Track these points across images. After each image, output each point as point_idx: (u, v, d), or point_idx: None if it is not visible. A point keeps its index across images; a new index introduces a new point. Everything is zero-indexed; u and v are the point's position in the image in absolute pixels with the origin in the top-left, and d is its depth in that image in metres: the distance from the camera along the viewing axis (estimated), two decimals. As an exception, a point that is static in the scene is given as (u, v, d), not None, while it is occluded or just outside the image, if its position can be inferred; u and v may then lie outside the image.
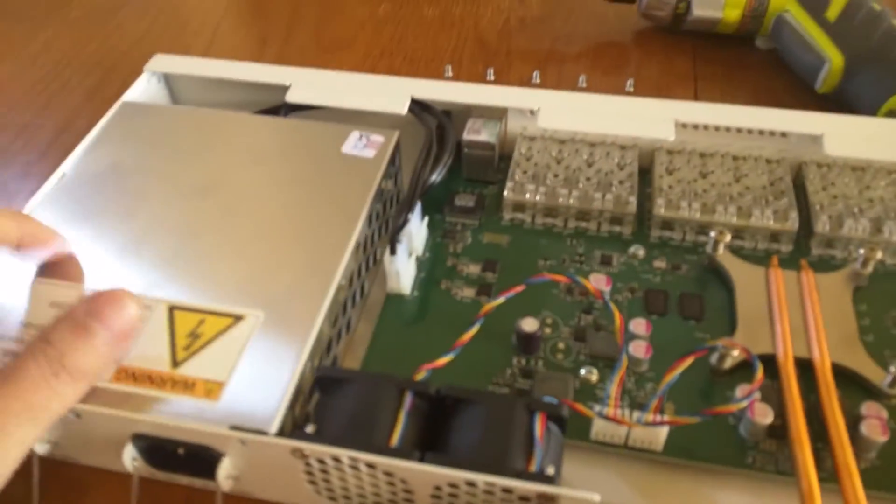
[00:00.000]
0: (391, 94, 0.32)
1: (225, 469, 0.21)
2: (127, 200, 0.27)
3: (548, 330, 0.27)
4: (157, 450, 0.21)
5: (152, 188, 0.28)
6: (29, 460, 0.23)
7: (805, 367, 0.25)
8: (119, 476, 0.24)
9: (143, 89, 0.35)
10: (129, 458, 0.21)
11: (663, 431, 0.22)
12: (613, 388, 0.23)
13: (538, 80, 0.43)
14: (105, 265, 0.25)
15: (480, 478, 0.19)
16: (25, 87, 0.44)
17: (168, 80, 0.36)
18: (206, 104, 0.35)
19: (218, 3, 0.52)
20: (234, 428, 0.20)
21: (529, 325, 0.25)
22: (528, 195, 0.31)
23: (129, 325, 0.20)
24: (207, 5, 0.52)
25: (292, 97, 0.33)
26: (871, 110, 0.36)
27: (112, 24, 0.50)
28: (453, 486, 0.19)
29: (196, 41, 0.48)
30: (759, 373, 0.22)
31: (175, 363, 0.22)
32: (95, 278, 0.24)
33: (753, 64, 0.43)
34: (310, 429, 0.20)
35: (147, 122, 0.31)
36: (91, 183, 0.28)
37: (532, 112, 0.32)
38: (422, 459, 0.19)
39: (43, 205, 0.27)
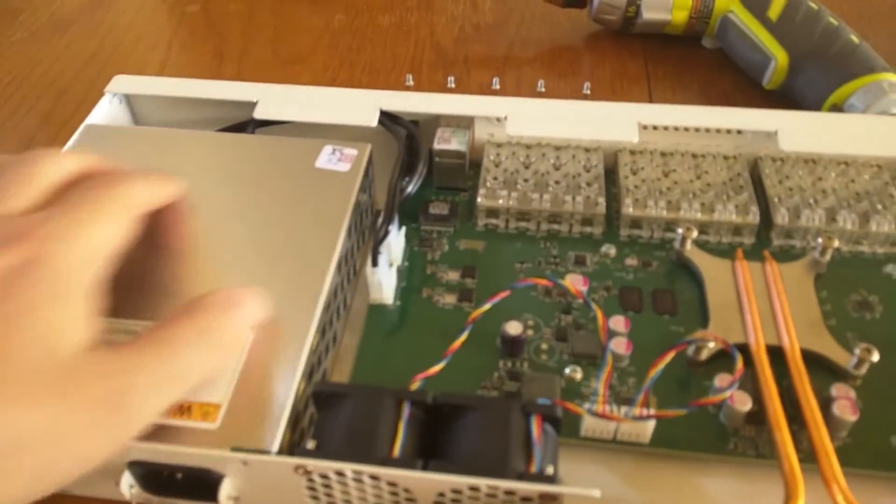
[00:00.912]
0: (360, 106, 0.33)
1: (226, 491, 0.21)
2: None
3: (530, 332, 0.27)
4: (155, 476, 0.21)
5: (123, 212, 0.27)
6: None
7: (776, 354, 0.26)
8: (111, 505, 0.24)
9: (106, 111, 0.34)
10: (127, 485, 0.21)
11: (650, 425, 0.23)
12: (601, 386, 0.24)
13: (498, 87, 0.43)
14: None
15: (483, 482, 0.19)
16: (-27, 111, 0.43)
17: (129, 100, 0.35)
18: (169, 124, 0.35)
19: (169, 21, 0.51)
20: (235, 449, 0.20)
21: (514, 328, 0.26)
22: (500, 201, 0.31)
23: (261, 314, 0.21)
24: (158, 23, 0.51)
25: (260, 113, 0.32)
26: (816, 105, 0.38)
27: (60, 44, 0.49)
28: (457, 491, 0.20)
29: (150, 59, 0.47)
30: (740, 362, 0.23)
31: (166, 389, 0.21)
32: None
33: (702, 63, 0.45)
34: (311, 445, 0.20)
35: (113, 145, 0.30)
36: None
37: (499, 119, 0.33)
38: (425, 468, 0.20)
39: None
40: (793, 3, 0.40)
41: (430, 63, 0.46)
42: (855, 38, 0.38)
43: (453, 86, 0.44)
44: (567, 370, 0.26)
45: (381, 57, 0.47)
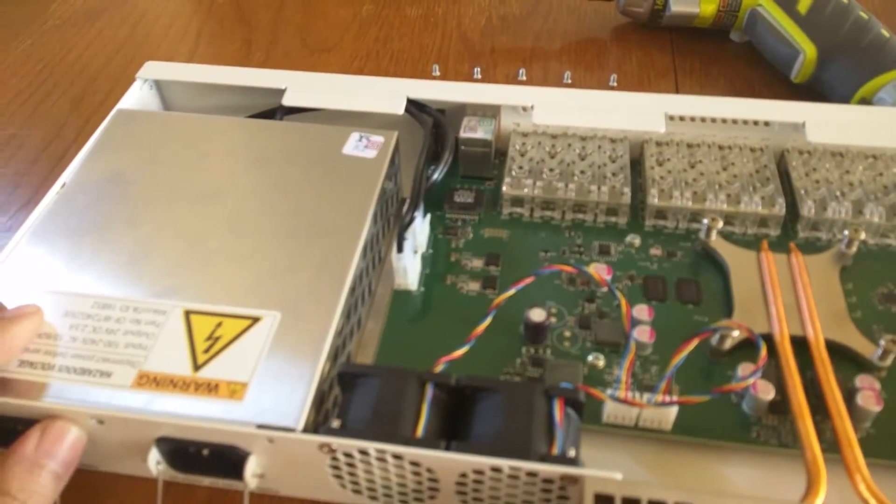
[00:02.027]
0: (387, 94, 0.33)
1: (251, 468, 0.21)
2: (131, 208, 0.27)
3: (553, 319, 0.28)
4: (182, 452, 0.21)
5: (155, 195, 0.28)
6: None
7: (800, 345, 0.26)
8: (138, 480, 0.24)
9: (136, 97, 0.35)
10: (154, 461, 0.22)
11: (672, 411, 0.23)
12: (624, 372, 0.24)
13: (524, 78, 0.43)
14: (115, 274, 0.25)
15: (506, 463, 0.20)
16: (8, 97, 0.44)
17: (160, 86, 0.36)
18: (198, 110, 0.36)
19: (199, 9, 0.52)
20: (262, 426, 0.21)
21: (538, 315, 0.26)
22: (525, 189, 0.31)
23: (75, 452, 0.21)
24: (188, 11, 0.52)
25: (289, 100, 0.33)
26: (844, 98, 0.37)
27: (92, 31, 0.49)
28: (479, 472, 0.20)
29: (179, 47, 0.48)
30: (763, 351, 0.23)
31: (196, 366, 0.22)
32: (108, 286, 0.25)
33: (730, 56, 0.44)
34: (335, 424, 0.21)
35: (144, 129, 0.31)
36: (92, 192, 0.28)
37: (525, 109, 0.33)
38: (448, 448, 0.20)
39: (45, 217, 0.27)
40: (823, -5, 0.40)
41: (456, 54, 0.46)
42: (885, 32, 0.38)
43: (479, 77, 0.44)
44: (590, 357, 0.26)
45: (409, 47, 0.47)
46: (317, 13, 0.51)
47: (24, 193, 0.37)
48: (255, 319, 0.23)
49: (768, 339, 0.26)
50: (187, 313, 0.23)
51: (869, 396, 0.24)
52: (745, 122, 0.32)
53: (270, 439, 0.20)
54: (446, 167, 0.31)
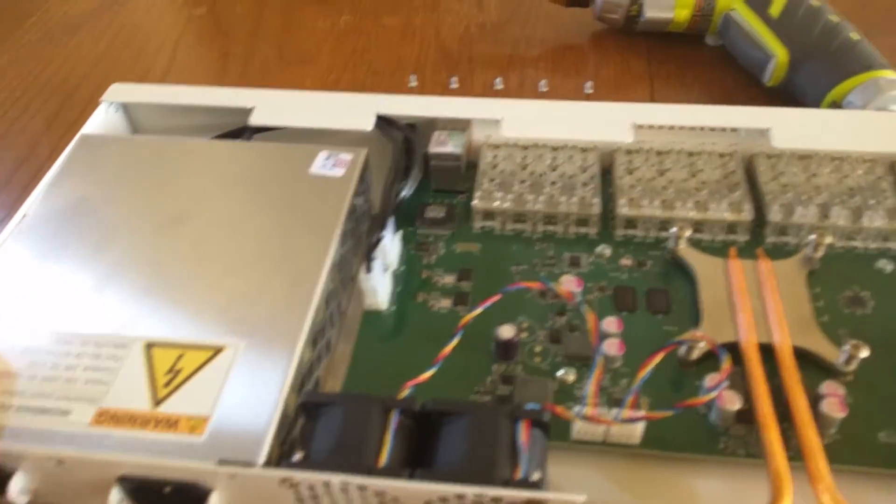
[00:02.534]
0: (356, 111, 0.33)
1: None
2: (95, 236, 0.27)
3: (524, 335, 0.28)
4: (144, 490, 0.21)
5: (120, 221, 0.28)
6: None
7: (767, 352, 0.26)
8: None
9: (102, 119, 0.34)
10: (116, 501, 0.21)
11: (640, 426, 0.24)
12: (591, 388, 0.24)
13: (501, 86, 0.44)
14: (76, 307, 0.25)
15: (469, 490, 0.20)
16: (-17, 116, 0.44)
17: (127, 108, 0.36)
18: (167, 130, 0.36)
19: (177, 22, 0.52)
20: (222, 462, 0.20)
21: (507, 332, 0.26)
22: (496, 203, 0.32)
23: None
24: (166, 24, 0.51)
25: (256, 120, 0.33)
26: (816, 102, 0.38)
27: (69, 46, 0.49)
28: (443, 500, 0.20)
29: (156, 60, 0.48)
30: (726, 363, 0.23)
31: (156, 401, 0.22)
32: (70, 320, 0.25)
33: (705, 61, 0.44)
34: (298, 456, 0.21)
35: (109, 154, 0.31)
36: (56, 220, 0.28)
37: (496, 122, 0.33)
38: (411, 477, 0.20)
39: (5, 249, 0.27)
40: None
41: (434, 63, 0.46)
42: (854, 36, 0.38)
43: (457, 86, 0.44)
44: (560, 372, 0.26)
45: (386, 58, 0.47)
46: (295, 25, 0.51)
47: (-1, 214, 0.37)
48: (218, 350, 0.23)
49: (735, 346, 0.26)
50: (148, 346, 0.23)
51: (833, 403, 0.24)
52: (713, 128, 0.33)
53: (232, 475, 0.20)
54: (415, 184, 0.31)
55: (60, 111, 0.44)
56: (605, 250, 0.31)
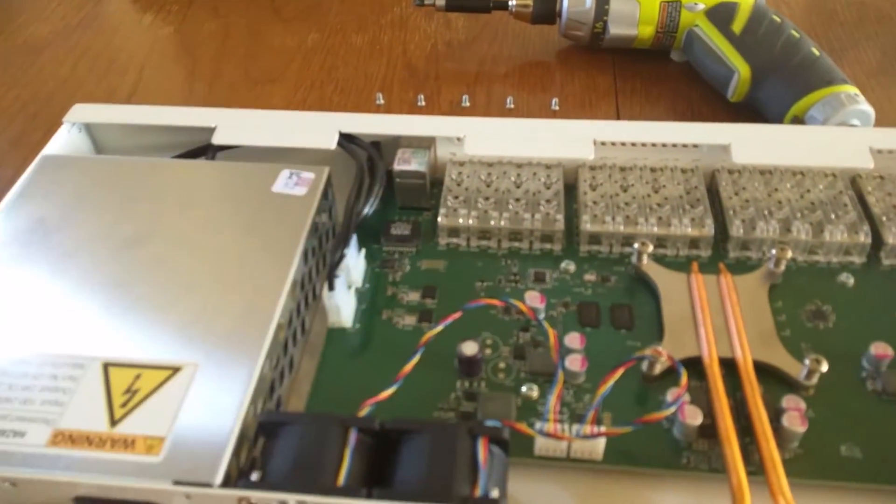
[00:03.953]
0: (319, 129, 0.33)
1: (172, 523, 0.21)
2: (54, 257, 0.27)
3: (488, 351, 0.28)
4: (101, 510, 0.21)
5: (80, 243, 0.27)
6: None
7: (729, 367, 0.26)
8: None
9: (65, 140, 0.34)
10: (73, 521, 0.21)
11: (601, 442, 0.23)
12: (552, 404, 0.24)
13: (468, 104, 0.44)
14: (36, 324, 0.25)
15: (427, 507, 0.19)
16: (-56, 139, 0.43)
17: (90, 129, 0.35)
18: (131, 150, 0.35)
19: (143, 43, 0.51)
20: (178, 483, 0.20)
21: (470, 348, 0.26)
22: (461, 220, 0.32)
23: None
24: (132, 45, 0.51)
25: (219, 139, 0.33)
26: (778, 117, 0.38)
27: (34, 68, 0.49)
28: (402, 517, 0.20)
29: (122, 81, 0.47)
30: (684, 379, 0.23)
31: (113, 422, 0.22)
32: (27, 341, 0.24)
33: (670, 76, 0.45)
34: (255, 476, 0.20)
35: (70, 175, 0.31)
36: (15, 242, 0.28)
37: (459, 139, 0.33)
38: (369, 496, 0.20)
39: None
40: (756, 15, 0.41)
41: (401, 81, 0.47)
42: (815, 51, 0.39)
43: (423, 104, 0.44)
44: (524, 388, 0.26)
45: (353, 76, 0.47)
46: (261, 44, 0.51)
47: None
48: (175, 370, 0.23)
49: (697, 362, 0.26)
50: (105, 366, 0.23)
51: (794, 417, 0.24)
52: (675, 144, 0.33)
53: (188, 495, 0.20)
54: (376, 200, 0.31)
55: (24, 133, 0.43)
56: (569, 266, 0.31)
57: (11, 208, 0.29)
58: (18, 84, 0.48)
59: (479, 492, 0.20)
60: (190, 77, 0.48)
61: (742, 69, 0.40)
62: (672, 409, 0.23)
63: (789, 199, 0.31)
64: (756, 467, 0.23)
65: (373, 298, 0.30)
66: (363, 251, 0.31)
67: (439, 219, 0.32)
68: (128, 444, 0.21)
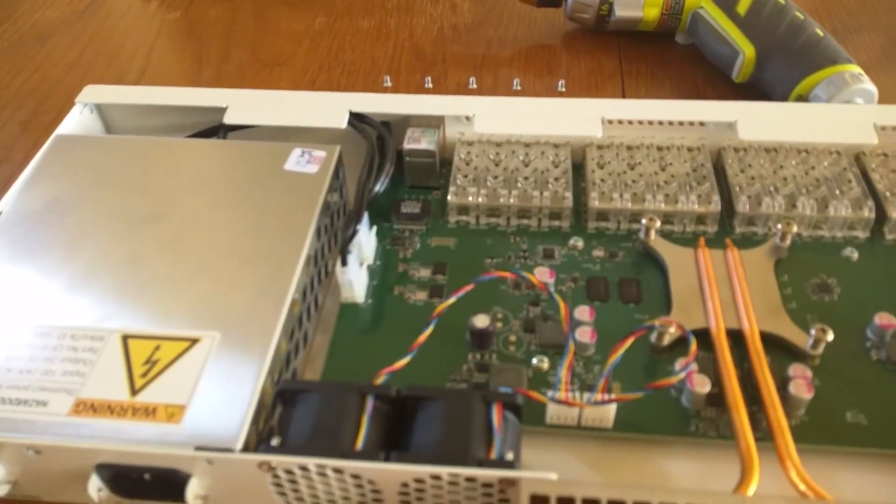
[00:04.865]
0: (330, 109, 0.33)
1: (193, 490, 0.21)
2: (70, 235, 0.27)
3: (499, 324, 0.28)
4: (123, 477, 0.21)
5: (95, 220, 0.28)
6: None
7: (736, 338, 0.27)
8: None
9: (77, 121, 0.34)
10: (95, 488, 0.21)
11: (612, 409, 0.24)
12: (563, 373, 0.24)
13: (475, 86, 0.44)
14: (53, 303, 0.25)
15: (444, 470, 0.20)
16: (-45, 123, 0.43)
17: (101, 110, 0.36)
18: (141, 131, 0.36)
19: (150, 27, 0.52)
20: (200, 448, 0.21)
21: (481, 321, 0.27)
22: (470, 198, 0.32)
23: None
24: (139, 30, 0.51)
25: (230, 118, 0.33)
26: (783, 97, 0.39)
27: (42, 53, 0.49)
28: (419, 481, 0.20)
29: (130, 66, 0.48)
30: (693, 346, 0.24)
31: (134, 391, 0.22)
32: (46, 315, 0.25)
33: (675, 59, 0.45)
34: (275, 441, 0.21)
35: (83, 154, 0.31)
36: (31, 220, 0.28)
37: (468, 118, 0.33)
38: (387, 459, 0.20)
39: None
40: (761, -4, 0.41)
41: (408, 64, 0.47)
42: (819, 32, 0.39)
43: (430, 86, 0.44)
44: (534, 360, 0.27)
45: (361, 59, 0.47)
46: (269, 27, 0.51)
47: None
48: (194, 341, 0.23)
49: (705, 333, 0.27)
50: (125, 338, 0.23)
51: (801, 385, 0.24)
52: (682, 122, 0.33)
53: (209, 460, 0.21)
54: (387, 178, 0.31)
55: (34, 116, 0.44)
56: (577, 242, 0.31)
57: (27, 187, 0.29)
58: (27, 69, 0.48)
59: (494, 454, 0.20)
60: (197, 61, 0.48)
61: (747, 50, 0.40)
62: (682, 375, 0.24)
63: (794, 175, 0.32)
64: (763, 434, 0.24)
65: (384, 275, 0.30)
66: (374, 228, 0.31)
67: (449, 197, 0.32)
68: (149, 412, 0.21)
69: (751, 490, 0.22)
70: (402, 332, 0.28)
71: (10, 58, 0.49)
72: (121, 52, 0.49)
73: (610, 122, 0.33)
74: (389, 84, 0.45)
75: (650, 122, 0.33)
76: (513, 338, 0.28)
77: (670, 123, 0.33)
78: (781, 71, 0.39)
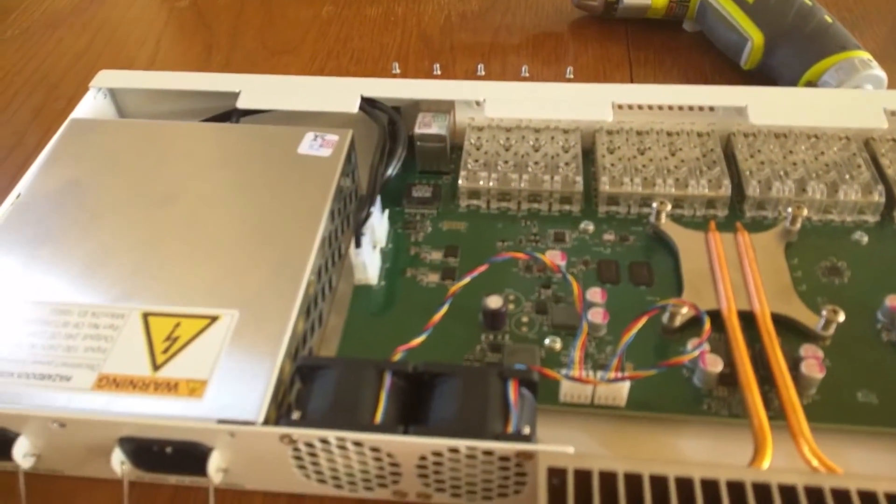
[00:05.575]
0: (341, 94, 0.33)
1: (215, 463, 0.22)
2: (87, 217, 0.28)
3: (511, 306, 0.28)
4: (145, 451, 0.22)
5: (111, 203, 0.28)
6: (14, 476, 0.24)
7: (748, 319, 0.27)
8: (105, 483, 0.25)
9: (91, 105, 0.35)
10: (118, 461, 0.22)
11: (625, 387, 0.24)
12: (577, 352, 0.25)
13: (483, 73, 0.44)
14: (72, 282, 0.25)
15: (462, 443, 0.20)
16: (-33, 110, 0.44)
17: (114, 94, 0.36)
18: (154, 116, 0.36)
19: (159, 15, 0.52)
20: (222, 421, 0.21)
21: (494, 302, 0.27)
22: (481, 182, 0.32)
23: None
24: (148, 18, 0.52)
25: (243, 103, 0.33)
26: (791, 83, 0.39)
27: (52, 40, 0.49)
28: (437, 454, 0.21)
29: (140, 53, 0.48)
30: (707, 324, 0.24)
31: (155, 367, 0.23)
32: (67, 293, 0.25)
33: (682, 46, 0.45)
34: (295, 415, 0.21)
35: (98, 138, 0.31)
36: (48, 202, 0.28)
37: (478, 103, 0.34)
38: (406, 432, 0.21)
39: (1, 228, 0.27)
40: (769, -17, 0.41)
41: (416, 52, 0.47)
42: (828, 18, 0.39)
43: (439, 73, 0.45)
44: (547, 341, 0.27)
45: (369, 46, 0.48)
46: (277, 15, 0.51)
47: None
48: (214, 318, 0.23)
49: (717, 314, 0.27)
50: (145, 315, 0.24)
51: (813, 364, 0.25)
52: (692, 108, 0.33)
53: (232, 433, 0.21)
54: (399, 162, 0.31)
55: (46, 103, 0.44)
56: (588, 226, 0.31)
57: (44, 170, 0.30)
58: (37, 57, 0.48)
59: (511, 428, 0.21)
60: (207, 49, 0.48)
61: (755, 37, 0.40)
62: (695, 353, 0.24)
63: (804, 160, 0.32)
64: (775, 412, 0.24)
65: (396, 258, 0.31)
66: (386, 212, 0.31)
67: (460, 181, 0.32)
68: (171, 387, 0.22)
69: (765, 464, 0.22)
70: (415, 313, 0.28)
71: (21, 45, 0.49)
72: (130, 40, 0.49)
73: (620, 107, 0.33)
74: (398, 71, 0.45)
75: (660, 108, 0.33)
76: (525, 319, 0.28)
77: (680, 109, 0.33)
78: (790, 58, 0.39)
